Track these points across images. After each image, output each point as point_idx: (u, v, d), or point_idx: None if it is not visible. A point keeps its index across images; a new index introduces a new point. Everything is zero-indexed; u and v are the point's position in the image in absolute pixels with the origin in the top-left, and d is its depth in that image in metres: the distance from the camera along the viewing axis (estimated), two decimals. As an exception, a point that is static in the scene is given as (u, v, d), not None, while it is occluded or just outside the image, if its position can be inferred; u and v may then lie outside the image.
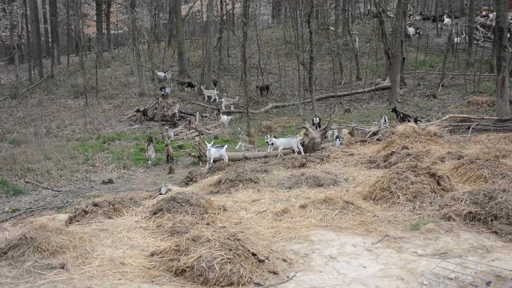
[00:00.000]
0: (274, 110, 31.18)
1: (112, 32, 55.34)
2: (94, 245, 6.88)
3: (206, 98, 33.05)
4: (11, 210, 12.79)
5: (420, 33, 41.94)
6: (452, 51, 35.88)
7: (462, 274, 5.81)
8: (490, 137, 14.39)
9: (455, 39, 36.53)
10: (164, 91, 31.04)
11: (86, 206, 8.68)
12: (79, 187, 16.02)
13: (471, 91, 28.34)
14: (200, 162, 18.28)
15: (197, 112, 30.35)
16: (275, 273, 6.15)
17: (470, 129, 18.33)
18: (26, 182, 16.29)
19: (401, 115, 21.85)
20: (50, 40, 51.61)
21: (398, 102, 28.32)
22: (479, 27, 40.86)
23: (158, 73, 31.71)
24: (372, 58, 37.82)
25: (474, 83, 29.17)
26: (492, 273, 5.78)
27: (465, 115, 21.14)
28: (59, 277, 5.82)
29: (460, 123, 19.80)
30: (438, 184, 8.61)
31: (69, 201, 13.59)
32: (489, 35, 40.04)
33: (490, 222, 7.21)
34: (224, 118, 27.79)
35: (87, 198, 13.04)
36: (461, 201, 7.74)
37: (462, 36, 38.83)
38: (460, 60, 35.07)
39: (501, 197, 7.41)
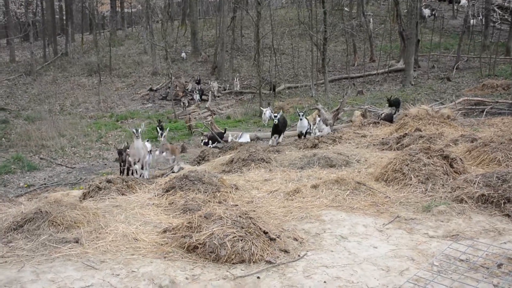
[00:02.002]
0: (287, 91, 31.08)
1: (126, 10, 55.23)
2: (108, 220, 6.97)
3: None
4: (26, 185, 12.97)
5: (436, 15, 41.37)
6: (468, 33, 35.38)
7: (473, 256, 5.81)
8: (504, 121, 14.23)
9: (471, 21, 36.01)
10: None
11: (100, 183, 8.77)
12: (92, 164, 16.18)
13: (486, 74, 27.99)
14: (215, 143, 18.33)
15: (210, 91, 30.34)
16: (286, 251, 6.20)
17: (484, 112, 18.15)
18: (41, 159, 16.48)
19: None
20: (64, 17, 51.63)
21: (412, 85, 28.09)
22: (496, 9, 40.18)
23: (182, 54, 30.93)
24: (386, 40, 37.42)
25: (489, 66, 28.79)
26: (504, 255, 5.77)
27: (479, 98, 20.90)
28: (74, 251, 5.91)
29: (474, 106, 19.60)
30: (451, 166, 8.57)
31: (83, 177, 13.75)
32: (506, 17, 39.38)
33: (502, 205, 7.17)
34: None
35: (100, 175, 13.16)
36: (474, 183, 7.70)
37: (479, 18, 38.25)
38: (476, 43, 34.61)
39: (514, 180, 7.38)
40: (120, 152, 13.48)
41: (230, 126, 21.88)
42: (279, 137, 15.28)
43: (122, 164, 13.31)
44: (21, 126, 21.24)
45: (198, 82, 32.69)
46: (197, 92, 28.58)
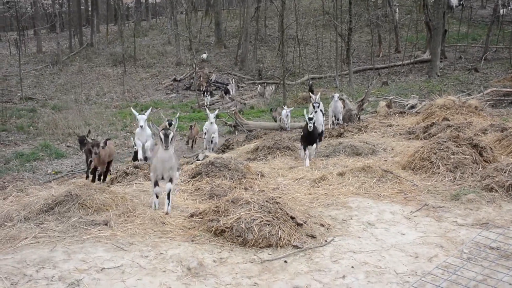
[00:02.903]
0: (311, 82, 30.94)
1: (150, 1, 55.49)
2: (135, 204, 7.04)
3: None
4: (54, 172, 13.18)
5: (464, 4, 40.61)
6: (497, 23, 34.65)
7: (504, 244, 5.73)
8: (534, 111, 13.98)
9: (501, 11, 35.26)
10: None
11: (127, 168, 8.87)
12: (117, 153, 16.33)
13: (515, 64, 27.47)
14: (236, 131, 18.35)
15: (232, 79, 30.33)
16: (313, 237, 6.20)
17: (514, 103, 17.83)
18: (68, 146, 16.71)
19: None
20: (90, 8, 52.14)
21: (438, 76, 27.69)
22: (527, -2, 39.30)
23: (202, 55, 27.87)
24: (412, 30, 36.93)
25: (519, 57, 28.24)
26: (535, 243, 5.69)
27: (508, 89, 20.46)
28: (103, 233, 6.00)
29: (502, 98, 19.23)
30: (481, 155, 8.45)
31: (109, 165, 13.87)
32: (537, 6, 38.50)
33: (534, 194, 7.07)
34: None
35: (125, 163, 13.29)
36: (505, 172, 7.59)
37: (509, 7, 37.44)
38: (505, 33, 33.89)
39: (546, 169, 7.24)
40: (82, 141, 10.03)
41: (254, 116, 21.88)
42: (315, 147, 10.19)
43: (88, 161, 9.57)
44: (48, 115, 21.54)
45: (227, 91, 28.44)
46: (207, 94, 26.34)
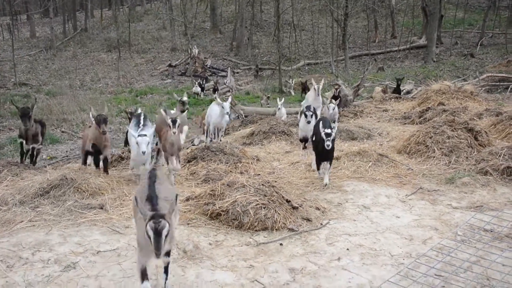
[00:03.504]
0: (306, 68, 30.86)
1: (144, -14, 55.02)
2: (131, 188, 7.05)
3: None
4: (48, 157, 13.12)
5: (460, -10, 40.47)
6: (494, 8, 34.56)
7: (498, 226, 5.77)
8: (530, 96, 14.01)
9: (497, -4, 35.15)
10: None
11: (122, 153, 8.85)
12: (113, 138, 16.27)
13: (511, 50, 27.41)
14: (230, 118, 18.33)
15: (229, 68, 30.25)
16: (308, 220, 6.22)
17: (509, 88, 17.82)
18: (62, 132, 16.63)
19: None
20: (83, -7, 51.67)
21: (434, 61, 27.66)
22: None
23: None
24: (409, 16, 36.81)
25: (515, 42, 28.21)
26: (529, 225, 5.73)
27: (504, 75, 20.46)
28: (99, 216, 6.01)
29: (498, 83, 19.25)
30: (476, 139, 8.47)
31: (104, 150, 13.83)
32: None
33: (528, 177, 7.11)
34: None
35: (121, 148, 13.26)
36: (499, 156, 7.62)
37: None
38: (502, 18, 33.81)
39: (541, 153, 7.28)
40: (25, 113, 8.25)
41: (249, 101, 21.83)
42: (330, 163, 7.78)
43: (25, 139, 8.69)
44: (42, 100, 21.38)
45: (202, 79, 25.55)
46: (197, 84, 24.13)
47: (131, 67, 31.55)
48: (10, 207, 6.28)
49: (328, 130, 7.23)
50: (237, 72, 30.56)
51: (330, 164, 7.67)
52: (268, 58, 33.00)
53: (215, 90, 22.81)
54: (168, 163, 7.64)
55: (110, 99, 23.29)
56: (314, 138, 7.87)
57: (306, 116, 8.78)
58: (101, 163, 7.84)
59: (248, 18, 36.50)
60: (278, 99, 14.70)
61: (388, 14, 36.19)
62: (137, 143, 6.87)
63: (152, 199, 4.13)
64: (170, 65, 30.86)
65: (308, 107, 8.83)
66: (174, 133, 7.36)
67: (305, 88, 21.40)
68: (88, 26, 41.61)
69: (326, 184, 7.45)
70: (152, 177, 4.50)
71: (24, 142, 8.77)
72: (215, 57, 33.55)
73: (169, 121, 7.42)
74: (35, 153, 9.20)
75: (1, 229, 5.74)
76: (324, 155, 7.57)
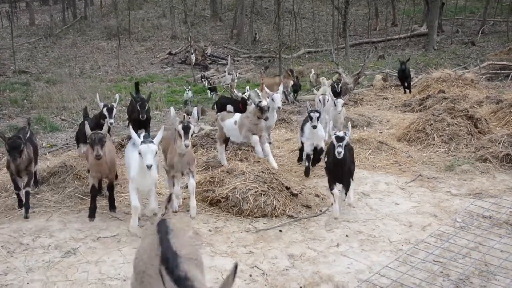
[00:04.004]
0: (306, 56, 30.73)
1: (144, -27, 54.68)
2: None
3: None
4: (48, 145, 13.10)
5: (462, -23, 40.19)
6: (495, -5, 34.34)
7: (497, 212, 5.79)
8: (531, 83, 13.95)
9: (499, -16, 34.90)
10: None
11: (122, 140, 8.86)
12: (113, 126, 16.27)
13: (513, 38, 27.29)
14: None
15: (229, 56, 30.15)
16: (308, 207, 6.24)
17: (510, 76, 17.74)
18: (62, 120, 16.59)
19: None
20: (82, -19, 51.37)
21: (435, 49, 27.53)
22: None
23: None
24: (410, 3, 36.58)
25: (516, 30, 28.04)
26: (527, 212, 5.75)
27: (505, 63, 20.33)
28: (98, 203, 6.02)
29: (499, 71, 19.15)
30: (476, 126, 8.47)
31: (104, 138, 13.82)
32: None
33: (528, 165, 7.12)
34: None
35: (119, 136, 13.26)
36: (499, 143, 7.62)
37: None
38: (503, 6, 33.60)
39: (540, 140, 7.28)
40: (15, 146, 5.80)
41: (250, 89, 21.80)
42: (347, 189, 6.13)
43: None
44: (42, 88, 21.31)
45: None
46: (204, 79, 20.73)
47: (131, 55, 31.43)
48: (10, 194, 6.30)
49: (341, 133, 5.70)
50: (237, 60, 30.45)
51: (347, 187, 5.88)
52: (269, 46, 32.85)
53: (202, 76, 22.82)
54: (173, 185, 6.00)
55: (110, 87, 23.24)
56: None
57: (311, 119, 7.01)
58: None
59: (248, 6, 36.28)
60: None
61: (389, 1, 35.98)
62: (139, 153, 4.95)
63: (168, 261, 2.53)
64: (170, 53, 30.76)
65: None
66: (187, 146, 5.59)
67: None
68: (87, 14, 41.41)
69: (336, 216, 5.81)
70: (163, 228, 2.96)
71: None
72: (215, 45, 33.41)
73: (180, 127, 5.54)
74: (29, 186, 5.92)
75: (1, 216, 5.76)
76: (336, 170, 5.81)
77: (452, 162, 7.50)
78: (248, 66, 28.68)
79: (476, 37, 28.69)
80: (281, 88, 8.50)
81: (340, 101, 8.39)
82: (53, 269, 4.65)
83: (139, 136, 5.14)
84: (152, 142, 4.94)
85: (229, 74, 23.41)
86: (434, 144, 8.21)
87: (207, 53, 30.61)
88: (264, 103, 6.99)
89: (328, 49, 29.70)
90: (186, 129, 5.51)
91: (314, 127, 7.05)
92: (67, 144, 13.33)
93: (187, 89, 16.27)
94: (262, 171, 6.42)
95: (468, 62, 23.25)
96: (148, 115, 8.63)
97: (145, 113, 8.20)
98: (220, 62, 29.34)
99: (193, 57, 26.49)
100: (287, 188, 6.34)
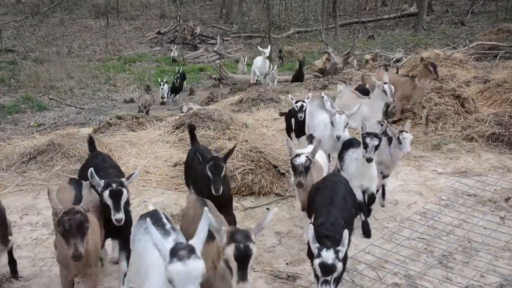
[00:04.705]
0: (296, 36, 30.61)
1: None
2: (120, 154, 7.06)
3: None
4: (36, 124, 13.06)
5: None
6: (485, -24, 34.29)
7: (481, 190, 5.88)
8: (519, 63, 14.00)
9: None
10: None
11: (110, 119, 8.83)
12: (101, 105, 16.22)
13: (502, 18, 27.27)
14: (220, 85, 18.24)
15: (218, 35, 29.95)
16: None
17: (498, 56, 17.81)
18: (50, 99, 16.50)
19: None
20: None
21: (424, 29, 27.52)
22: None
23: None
24: (400, -17, 36.39)
25: (506, 10, 28.03)
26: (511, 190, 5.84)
27: (493, 43, 20.40)
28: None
29: (487, 51, 19.21)
30: (462, 106, 8.52)
31: (92, 118, 13.79)
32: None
33: (513, 143, 7.21)
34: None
35: (109, 116, 13.23)
36: (485, 122, 7.69)
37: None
38: (493, -14, 33.61)
39: (526, 119, 7.37)
40: None
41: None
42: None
43: None
44: (29, 67, 21.12)
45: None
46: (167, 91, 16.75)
47: (119, 34, 31.13)
48: (-3, 172, 6.29)
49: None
50: (227, 40, 30.27)
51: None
52: (258, 25, 32.66)
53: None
54: None
55: (98, 66, 23.06)
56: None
57: (366, 146, 4.67)
58: None
59: (238, -16, 35.98)
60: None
61: (380, -19, 35.79)
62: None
63: None
64: (159, 33, 30.50)
65: (370, 132, 4.74)
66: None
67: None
68: (75, -8, 40.85)
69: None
70: None
71: None
72: (204, 25, 33.14)
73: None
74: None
75: (-12, 194, 5.76)
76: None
77: (438, 141, 7.57)
78: (237, 46, 28.53)
79: (466, 17, 28.70)
80: None
81: (408, 137, 5.15)
82: (41, 246, 4.67)
83: None
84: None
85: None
86: (421, 123, 8.25)
87: (196, 33, 30.38)
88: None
89: (318, 29, 29.60)
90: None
91: (369, 160, 4.68)
92: (55, 123, 13.29)
93: (162, 83, 15.73)
94: (250, 150, 6.45)
95: (457, 42, 23.28)
96: None
97: None
98: (209, 42, 29.16)
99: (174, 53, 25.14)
100: (275, 166, 6.38)
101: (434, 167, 6.82)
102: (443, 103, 8.42)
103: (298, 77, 15.02)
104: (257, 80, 15.02)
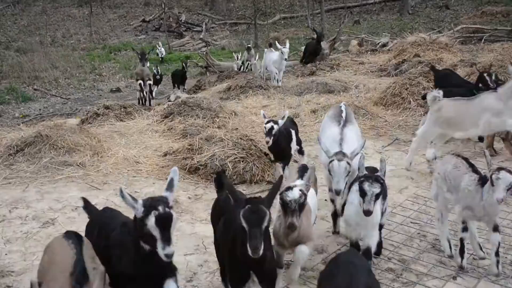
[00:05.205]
0: (282, 22, 30.48)
1: None
2: (109, 144, 6.98)
3: None
4: (21, 116, 12.90)
5: None
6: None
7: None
8: (504, 46, 14.03)
9: None
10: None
11: (98, 109, 8.74)
12: (87, 95, 16.04)
13: (485, 1, 27.41)
14: (207, 72, 18.12)
15: (204, 23, 29.74)
16: (284, 171, 6.26)
17: (483, 40, 17.88)
18: (35, 90, 16.28)
19: None
20: None
21: (409, 14, 27.56)
22: None
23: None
24: (385, -33, 36.30)
25: (490, -8, 28.19)
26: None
27: (477, 26, 20.48)
28: (76, 173, 5.96)
29: (472, 34, 19.28)
30: (451, 90, 8.54)
31: (78, 108, 13.65)
32: None
33: (501, 126, 7.23)
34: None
35: (95, 105, 13.09)
36: (473, 106, 7.72)
37: None
38: (477, -31, 33.68)
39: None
40: None
41: (226, 57, 21.57)
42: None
43: None
44: (12, 57, 20.86)
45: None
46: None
47: (103, 23, 30.78)
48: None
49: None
50: (212, 27, 30.06)
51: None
52: (244, 12, 32.46)
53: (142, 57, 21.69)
54: None
55: (83, 55, 22.81)
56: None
57: (363, 195, 3.52)
58: None
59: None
60: None
61: (364, -35, 35.65)
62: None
63: None
64: (143, 20, 30.22)
65: (368, 177, 3.56)
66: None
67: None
68: (56, -20, 40.24)
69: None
70: None
71: None
72: (190, 12, 32.86)
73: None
74: None
75: (-24, 188, 5.67)
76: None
77: (427, 125, 7.59)
78: (223, 33, 28.35)
79: (450, 1, 28.74)
80: None
81: (507, 178, 3.74)
82: (31, 239, 4.61)
83: None
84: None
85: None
86: (410, 108, 8.28)
87: (181, 20, 30.13)
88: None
89: (304, 15, 29.50)
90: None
91: (368, 213, 3.48)
92: (40, 114, 13.13)
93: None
94: (240, 138, 6.43)
95: (442, 26, 23.34)
96: None
97: None
98: (194, 29, 28.93)
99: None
100: (266, 154, 6.35)
101: (424, 151, 6.84)
102: (431, 87, 8.43)
103: (313, 52, 13.68)
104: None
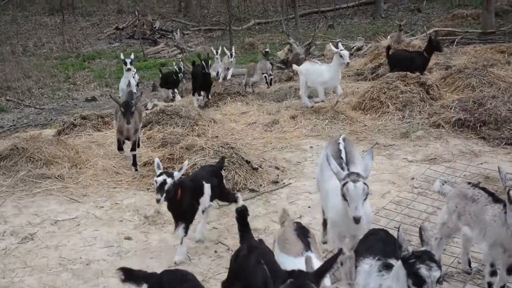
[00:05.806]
0: (257, 27, 30.53)
1: None
2: (87, 156, 6.86)
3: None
4: (-6, 128, 12.60)
5: None
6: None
7: (452, 176, 5.95)
8: (476, 49, 14.29)
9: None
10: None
11: (75, 119, 8.58)
12: (62, 105, 15.77)
13: (456, 4, 27.90)
14: (183, 79, 18.02)
15: (178, 29, 29.61)
16: (275, 182, 6.23)
17: (455, 42, 18.19)
18: (7, 100, 15.95)
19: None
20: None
21: (382, 17, 27.88)
22: None
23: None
24: (357, -28, 36.67)
25: (460, -4, 28.70)
26: (480, 174, 5.94)
27: (449, 29, 20.88)
28: (55, 185, 5.85)
29: (444, 37, 19.59)
30: (428, 93, 8.64)
31: (53, 118, 13.40)
32: None
33: (478, 128, 7.35)
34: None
35: (71, 116, 12.87)
36: (451, 108, 7.83)
37: None
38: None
39: (490, 103, 7.55)
40: None
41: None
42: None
43: None
44: (-17, 68, 20.44)
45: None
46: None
47: (76, 31, 30.37)
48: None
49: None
50: (187, 34, 29.94)
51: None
52: (218, 18, 32.42)
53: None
54: None
55: (56, 64, 22.47)
56: None
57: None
58: None
59: (195, -23, 35.58)
60: None
61: (337, -30, 35.96)
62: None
63: None
64: (117, 28, 29.90)
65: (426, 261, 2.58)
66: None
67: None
68: (27, -12, 39.65)
69: None
70: None
71: None
72: (163, 19, 32.68)
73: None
74: None
75: (-49, 204, 5.50)
76: None
77: (407, 129, 7.66)
78: (198, 40, 28.25)
79: (422, 4, 29.20)
80: None
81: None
82: (10, 256, 4.49)
83: None
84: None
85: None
86: (388, 112, 8.33)
87: (155, 27, 29.93)
88: None
89: (278, 20, 29.59)
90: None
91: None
92: (14, 125, 12.86)
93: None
94: (221, 146, 6.39)
95: (414, 29, 23.65)
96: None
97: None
98: (169, 36, 28.74)
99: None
100: (248, 162, 6.32)
101: (404, 155, 6.89)
102: (408, 91, 8.53)
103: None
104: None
